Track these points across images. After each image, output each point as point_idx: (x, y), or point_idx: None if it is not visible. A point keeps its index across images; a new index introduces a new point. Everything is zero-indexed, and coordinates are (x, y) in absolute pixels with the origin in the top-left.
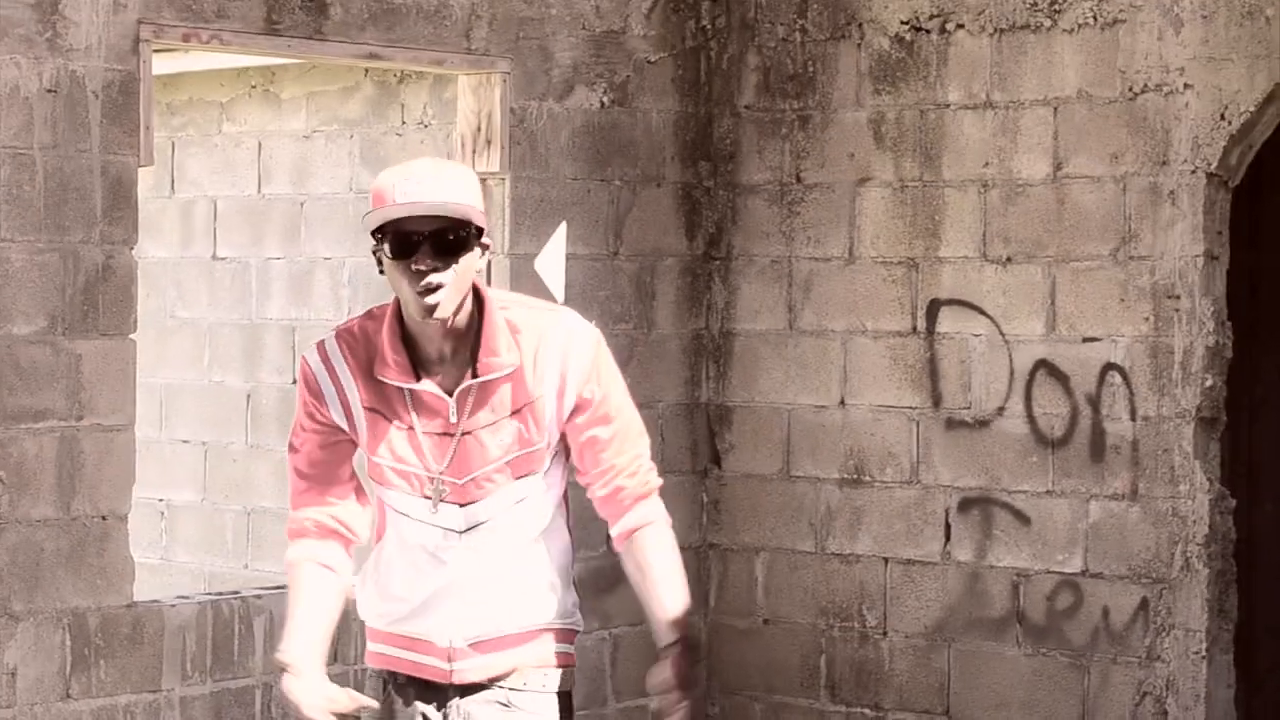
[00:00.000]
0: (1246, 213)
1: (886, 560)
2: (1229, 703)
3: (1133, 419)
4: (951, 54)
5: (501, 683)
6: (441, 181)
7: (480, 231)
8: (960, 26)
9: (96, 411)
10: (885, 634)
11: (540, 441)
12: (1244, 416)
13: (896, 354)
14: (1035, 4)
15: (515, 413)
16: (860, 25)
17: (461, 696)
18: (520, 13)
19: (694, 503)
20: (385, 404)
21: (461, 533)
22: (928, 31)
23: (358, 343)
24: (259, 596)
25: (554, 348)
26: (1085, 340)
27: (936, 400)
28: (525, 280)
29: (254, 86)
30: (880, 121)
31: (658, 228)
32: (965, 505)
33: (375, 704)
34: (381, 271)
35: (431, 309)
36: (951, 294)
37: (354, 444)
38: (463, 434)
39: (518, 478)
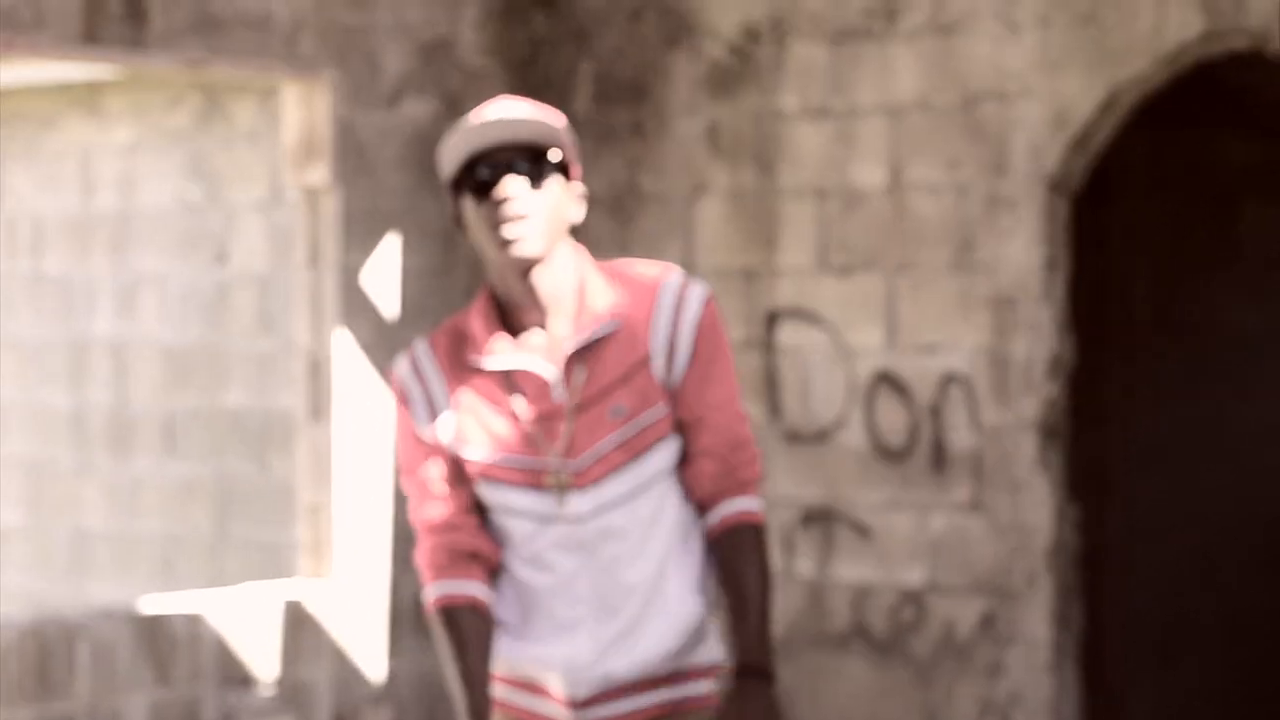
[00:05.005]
0: (1094, 220)
1: None
2: (1075, 714)
3: (975, 429)
4: (787, 62)
5: None
6: (516, 108)
7: (568, 168)
8: (796, 34)
9: None
10: None
11: (656, 407)
12: (1091, 424)
13: (735, 365)
14: (871, 10)
15: (625, 378)
16: (694, 33)
17: None
18: (347, 22)
19: None
20: (483, 394)
21: (585, 523)
22: (763, 40)
23: (447, 336)
24: (84, 620)
25: (663, 302)
26: (925, 350)
27: (776, 412)
28: (355, 294)
29: (78, 99)
30: (716, 130)
31: None
32: (807, 519)
33: None
34: (464, 236)
35: (513, 241)
36: (790, 304)
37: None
38: (574, 410)
39: (640, 452)
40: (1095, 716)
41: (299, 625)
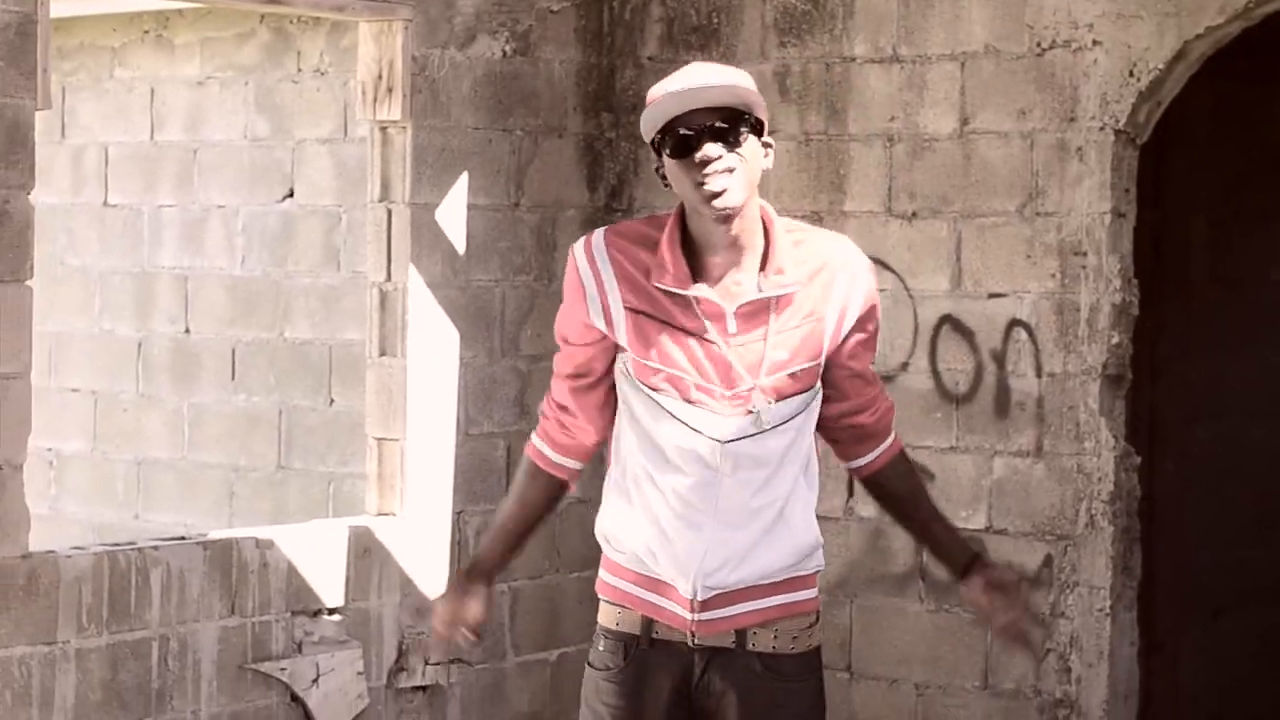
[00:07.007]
0: (1152, 171)
1: None
2: (1132, 660)
3: (1038, 376)
4: (858, 7)
5: (753, 643)
6: (710, 74)
7: (760, 125)
8: None
9: None
10: None
11: (811, 361)
12: (1147, 375)
13: None
14: None
15: (791, 330)
16: None
17: (709, 662)
18: None
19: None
20: (657, 308)
21: (726, 442)
22: None
23: (631, 244)
24: (156, 548)
25: (839, 271)
26: (991, 296)
27: None
28: (425, 231)
29: (147, 32)
30: (785, 74)
31: (559, 179)
32: None
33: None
34: (666, 185)
35: (717, 195)
36: None
37: (614, 348)
38: (739, 345)
39: (786, 396)
40: (1147, 664)
41: (366, 556)
